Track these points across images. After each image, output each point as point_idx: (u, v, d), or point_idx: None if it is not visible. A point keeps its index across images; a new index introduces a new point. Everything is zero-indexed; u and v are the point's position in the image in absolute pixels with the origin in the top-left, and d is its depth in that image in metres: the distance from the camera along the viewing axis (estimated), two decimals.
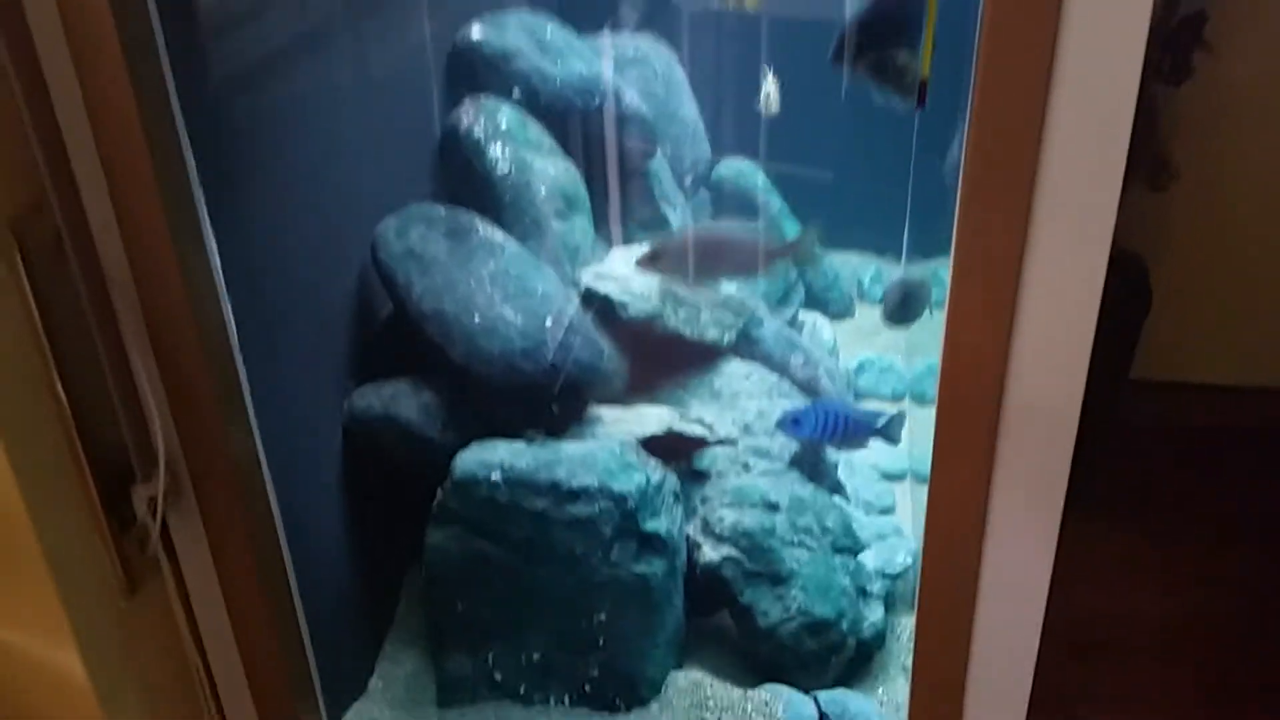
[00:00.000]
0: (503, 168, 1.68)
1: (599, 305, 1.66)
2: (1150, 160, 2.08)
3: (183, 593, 1.21)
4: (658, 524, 1.40)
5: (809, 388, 1.81)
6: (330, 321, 1.47)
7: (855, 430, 1.60)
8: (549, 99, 1.81)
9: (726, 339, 1.77)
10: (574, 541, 1.37)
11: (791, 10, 2.10)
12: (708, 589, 1.48)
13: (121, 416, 1.07)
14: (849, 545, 1.52)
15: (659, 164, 2.02)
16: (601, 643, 1.42)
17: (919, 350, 2.04)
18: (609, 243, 1.91)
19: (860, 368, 2.10)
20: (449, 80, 1.80)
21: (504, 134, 1.71)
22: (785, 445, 1.65)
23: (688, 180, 2.20)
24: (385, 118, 1.61)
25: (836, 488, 1.73)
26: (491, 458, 1.40)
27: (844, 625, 1.45)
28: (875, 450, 1.72)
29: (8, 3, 0.91)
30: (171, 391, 1.09)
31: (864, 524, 1.63)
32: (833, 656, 1.45)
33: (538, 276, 1.54)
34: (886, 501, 1.79)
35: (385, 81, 1.62)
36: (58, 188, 0.98)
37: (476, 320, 1.44)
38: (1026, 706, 1.11)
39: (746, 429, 1.66)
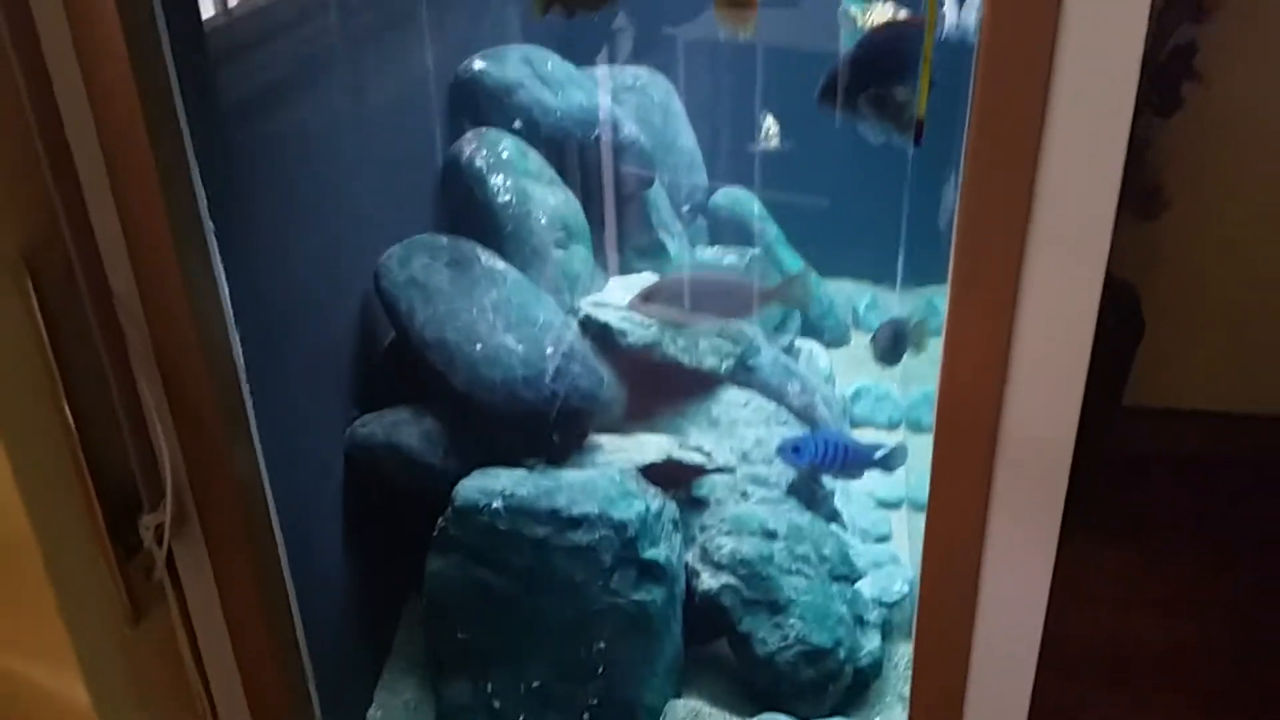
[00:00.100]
0: (504, 197, 1.70)
1: (599, 333, 1.67)
2: (1141, 189, 2.10)
3: (186, 620, 1.22)
4: (657, 552, 1.41)
5: (806, 415, 1.83)
6: (333, 349, 1.48)
7: (854, 460, 1.62)
8: (549, 130, 1.84)
9: (724, 367, 1.79)
10: (574, 569, 1.38)
11: (786, 40, 2.12)
12: (706, 617, 1.49)
13: (129, 444, 1.08)
14: (846, 573, 1.53)
15: (657, 193, 2.05)
16: (601, 671, 1.43)
17: (914, 378, 2.06)
18: (608, 271, 1.93)
19: (856, 395, 2.11)
20: (451, 111, 1.83)
21: (505, 164, 1.73)
22: (783, 473, 1.66)
23: (685, 208, 2.22)
24: (388, 148, 1.63)
25: (833, 516, 1.74)
26: (493, 485, 1.41)
27: (841, 653, 1.46)
28: (871, 478, 1.74)
29: (26, 41, 0.92)
30: (179, 420, 1.10)
31: (860, 552, 1.65)
32: (830, 685, 1.46)
33: (539, 305, 1.56)
34: (883, 530, 1.80)
35: (389, 112, 1.64)
36: (70, 218, 0.99)
37: (478, 349, 1.46)
38: None
39: (744, 457, 1.67)
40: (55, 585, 1.03)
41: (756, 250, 2.19)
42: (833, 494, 1.76)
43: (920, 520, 1.49)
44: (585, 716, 1.45)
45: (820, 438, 1.62)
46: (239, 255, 1.14)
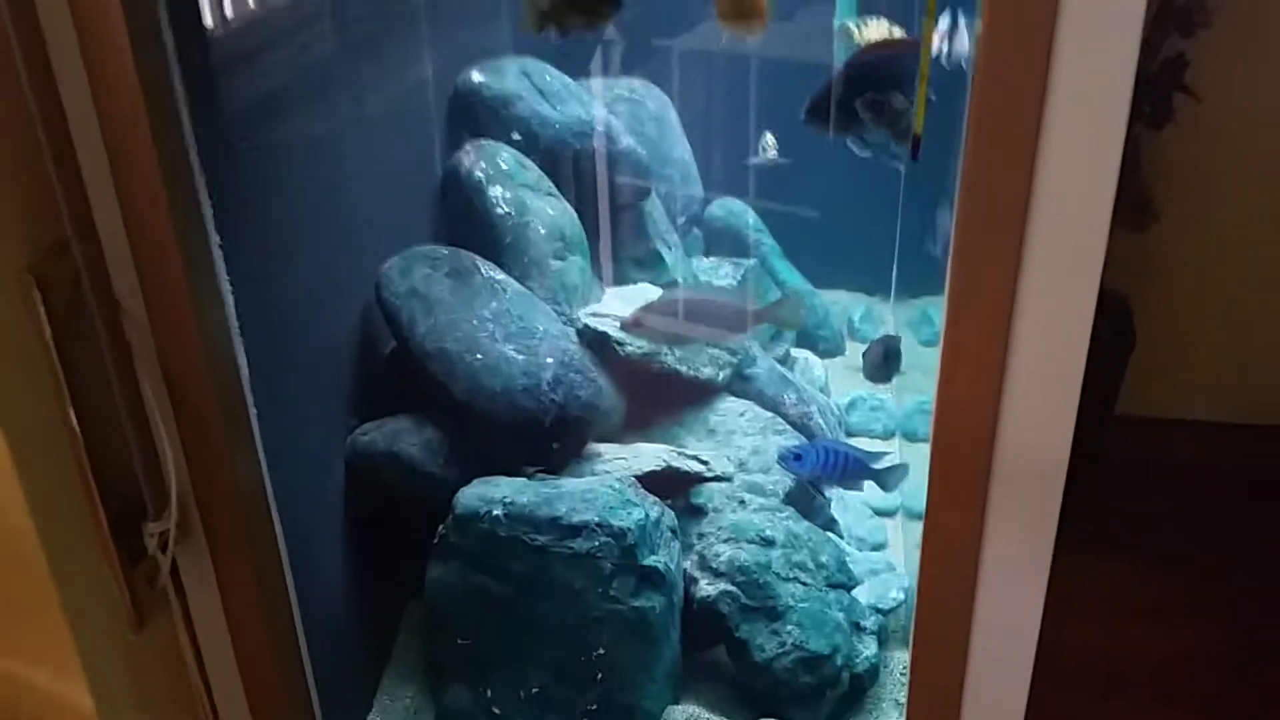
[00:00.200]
0: (502, 208, 1.72)
1: (597, 343, 1.68)
2: (1132, 201, 2.13)
3: (189, 625, 1.22)
4: (656, 559, 1.42)
5: (802, 425, 1.84)
6: (334, 358, 1.50)
7: (855, 470, 1.63)
8: (547, 141, 1.85)
9: (721, 377, 1.80)
10: (574, 576, 1.40)
11: (781, 53, 2.14)
12: (704, 623, 1.50)
13: (134, 451, 1.09)
14: (843, 581, 1.54)
15: (653, 204, 2.06)
16: (600, 677, 1.44)
17: (909, 388, 2.07)
18: (605, 282, 1.94)
19: (851, 405, 2.13)
20: (450, 123, 1.84)
21: (504, 175, 1.75)
22: (780, 481, 1.68)
23: (681, 220, 2.24)
24: (388, 158, 1.65)
25: (829, 524, 1.75)
26: (493, 493, 1.42)
27: (838, 660, 1.47)
28: (867, 487, 1.75)
29: (33, 50, 0.94)
30: (183, 428, 1.11)
31: (857, 560, 1.66)
32: (827, 691, 1.47)
33: (538, 315, 1.57)
34: (878, 538, 1.81)
35: (388, 123, 1.66)
36: (76, 227, 1.00)
37: (479, 358, 1.47)
38: None
39: (742, 465, 1.69)
40: (60, 591, 1.04)
41: (752, 261, 2.21)
42: (829, 502, 1.77)
43: (915, 528, 1.51)
44: None
45: (821, 446, 1.63)
46: (243, 265, 1.15)
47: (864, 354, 2.20)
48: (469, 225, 1.73)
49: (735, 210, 2.32)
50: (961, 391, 1.00)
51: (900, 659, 1.56)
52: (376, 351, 1.60)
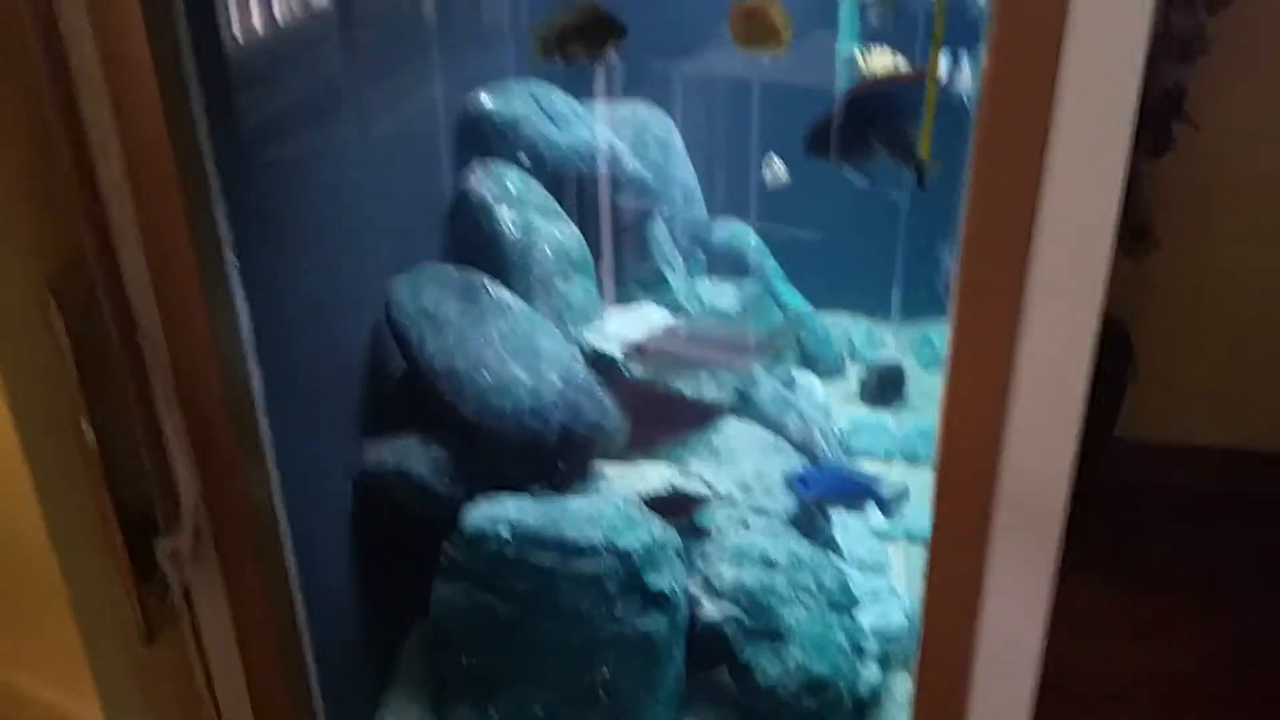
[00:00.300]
0: (510, 230, 1.74)
1: (602, 364, 1.70)
2: (1132, 228, 2.15)
3: (198, 641, 1.23)
4: (661, 580, 1.43)
5: (804, 446, 1.85)
6: (344, 377, 1.51)
7: (861, 495, 1.64)
8: (554, 164, 1.87)
9: (725, 398, 1.82)
10: (579, 597, 1.40)
11: (784, 78, 2.17)
12: (708, 645, 1.50)
13: (148, 468, 1.10)
14: (845, 604, 1.55)
15: (658, 226, 2.08)
16: (604, 698, 1.44)
17: (910, 410, 2.09)
18: (611, 303, 1.96)
19: (853, 427, 2.14)
20: (459, 145, 1.86)
21: (511, 197, 1.76)
22: (783, 503, 1.69)
23: (685, 242, 2.25)
24: (398, 181, 1.66)
25: (831, 546, 1.76)
26: (500, 513, 1.43)
27: (841, 683, 1.48)
28: (869, 509, 1.76)
29: (58, 72, 0.95)
30: (197, 445, 1.12)
31: (859, 582, 1.67)
32: (830, 714, 1.47)
33: (545, 336, 1.59)
34: (880, 560, 1.82)
35: (398, 146, 1.68)
36: (96, 247, 1.02)
37: (487, 378, 1.48)
38: None
39: (745, 487, 1.70)
40: (73, 605, 1.05)
41: (755, 283, 2.23)
42: (831, 525, 1.78)
43: (917, 551, 1.52)
44: None
45: (826, 470, 1.64)
46: (257, 285, 1.16)
47: (863, 378, 2.22)
48: (477, 246, 1.74)
49: (738, 232, 2.34)
50: (965, 416, 1.01)
51: (903, 682, 1.57)
52: (385, 370, 1.61)
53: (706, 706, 1.54)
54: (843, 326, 2.43)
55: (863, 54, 1.51)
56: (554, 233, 1.79)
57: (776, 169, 1.84)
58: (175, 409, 1.10)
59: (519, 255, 1.73)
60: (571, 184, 1.93)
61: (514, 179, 1.80)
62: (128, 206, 1.02)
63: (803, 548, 1.58)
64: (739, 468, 1.73)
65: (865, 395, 2.19)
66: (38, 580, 1.03)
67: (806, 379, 2.21)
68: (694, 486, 1.63)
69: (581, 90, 2.05)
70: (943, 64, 1.19)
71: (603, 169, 1.95)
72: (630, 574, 1.40)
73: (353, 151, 1.52)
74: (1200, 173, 2.17)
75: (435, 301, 1.53)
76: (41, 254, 0.98)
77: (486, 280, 1.62)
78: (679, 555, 1.51)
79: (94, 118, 0.98)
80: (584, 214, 1.94)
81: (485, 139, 1.86)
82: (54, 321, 0.99)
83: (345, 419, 1.50)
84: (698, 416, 1.79)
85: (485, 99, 1.88)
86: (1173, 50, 2.02)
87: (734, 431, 1.80)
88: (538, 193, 1.83)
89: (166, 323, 1.06)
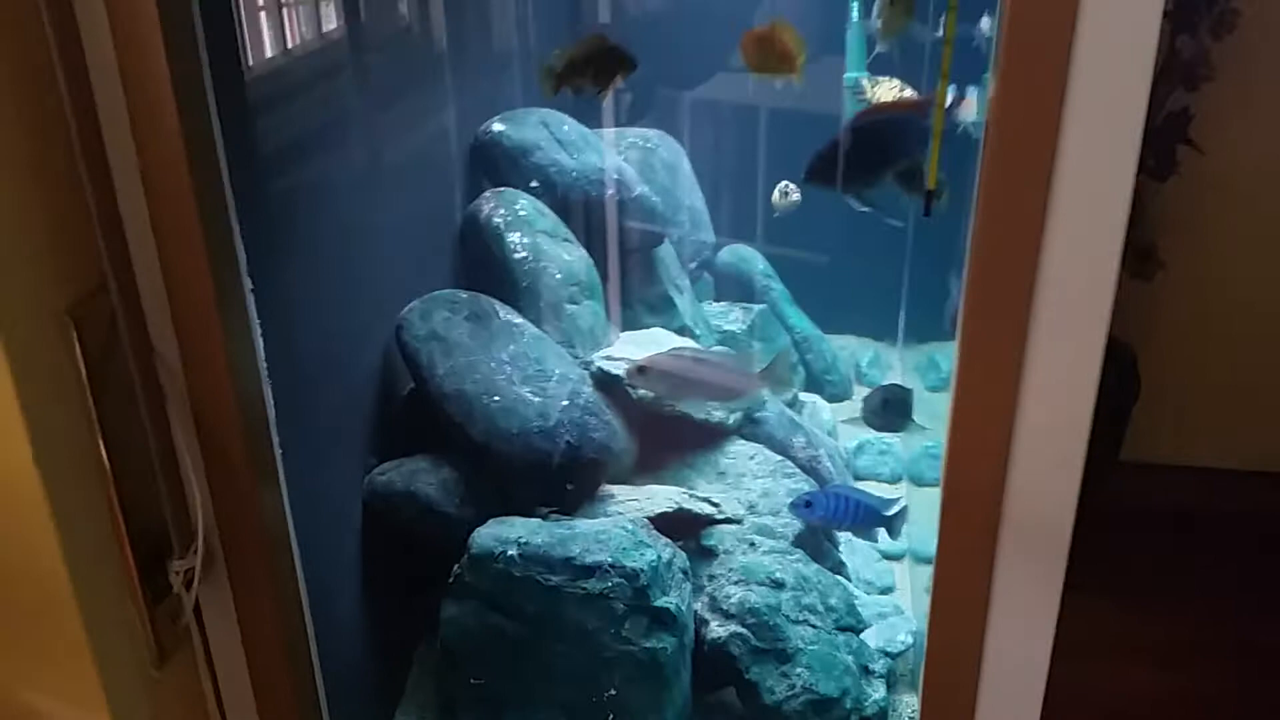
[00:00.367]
0: (520, 254, 1.76)
1: (610, 386, 1.71)
2: (1137, 251, 2.16)
3: (209, 663, 1.24)
4: (668, 600, 1.44)
5: (811, 468, 1.86)
6: (354, 400, 1.53)
7: (866, 517, 1.64)
8: (565, 189, 1.90)
9: (732, 420, 1.83)
10: (587, 617, 1.41)
11: (791, 104, 2.19)
12: (714, 665, 1.51)
13: (163, 491, 1.12)
14: (852, 624, 1.56)
15: (665, 250, 2.10)
16: (611, 717, 1.45)
17: (916, 432, 2.10)
18: (619, 326, 1.98)
19: (859, 449, 2.15)
20: (471, 171, 1.89)
21: (522, 222, 1.79)
22: (789, 524, 1.70)
23: (692, 265, 2.27)
24: (411, 206, 1.69)
25: (837, 567, 1.77)
26: (508, 534, 1.45)
27: (847, 703, 1.48)
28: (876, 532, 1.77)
29: (82, 103, 0.97)
30: (211, 468, 1.13)
31: (865, 603, 1.67)
32: None
33: (553, 359, 1.61)
34: (886, 581, 1.83)
35: (411, 172, 1.70)
36: (116, 275, 1.04)
37: (496, 400, 1.50)
38: None
39: (752, 508, 1.71)
40: (87, 627, 1.06)
41: (762, 306, 2.24)
42: (838, 546, 1.79)
43: (923, 572, 1.52)
44: None
45: (832, 493, 1.65)
46: (270, 309, 1.18)
47: (865, 399, 2.22)
48: (488, 270, 1.76)
49: (745, 256, 2.36)
50: (972, 439, 1.02)
51: (909, 702, 1.57)
52: (396, 393, 1.63)
53: None
54: (849, 350, 2.45)
55: (870, 85, 1.52)
56: (563, 257, 1.82)
57: (791, 196, 1.85)
58: (191, 434, 1.12)
59: (529, 279, 1.75)
60: (581, 208, 1.95)
61: (525, 204, 1.82)
62: (147, 236, 1.03)
63: (809, 568, 1.59)
64: (746, 489, 1.74)
65: (867, 417, 2.20)
66: (53, 603, 1.04)
67: (813, 401, 2.23)
68: (701, 507, 1.64)
69: (592, 117, 2.08)
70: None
71: (612, 194, 1.97)
72: (637, 594, 1.41)
73: (366, 177, 1.54)
74: (1205, 196, 2.18)
75: (445, 324, 1.55)
76: (62, 282, 1.00)
77: (496, 304, 1.64)
78: (686, 575, 1.52)
79: (116, 149, 1.00)
80: (593, 238, 1.96)
81: (497, 165, 1.89)
82: (74, 348, 1.01)
83: (356, 441, 1.52)
84: (704, 438, 1.80)
85: (497, 126, 1.90)
86: (1178, 75, 2.04)
87: (741, 453, 1.81)
88: (548, 217, 1.86)
89: (184, 349, 1.08)
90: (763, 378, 1.70)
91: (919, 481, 2.00)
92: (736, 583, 1.54)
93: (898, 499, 1.72)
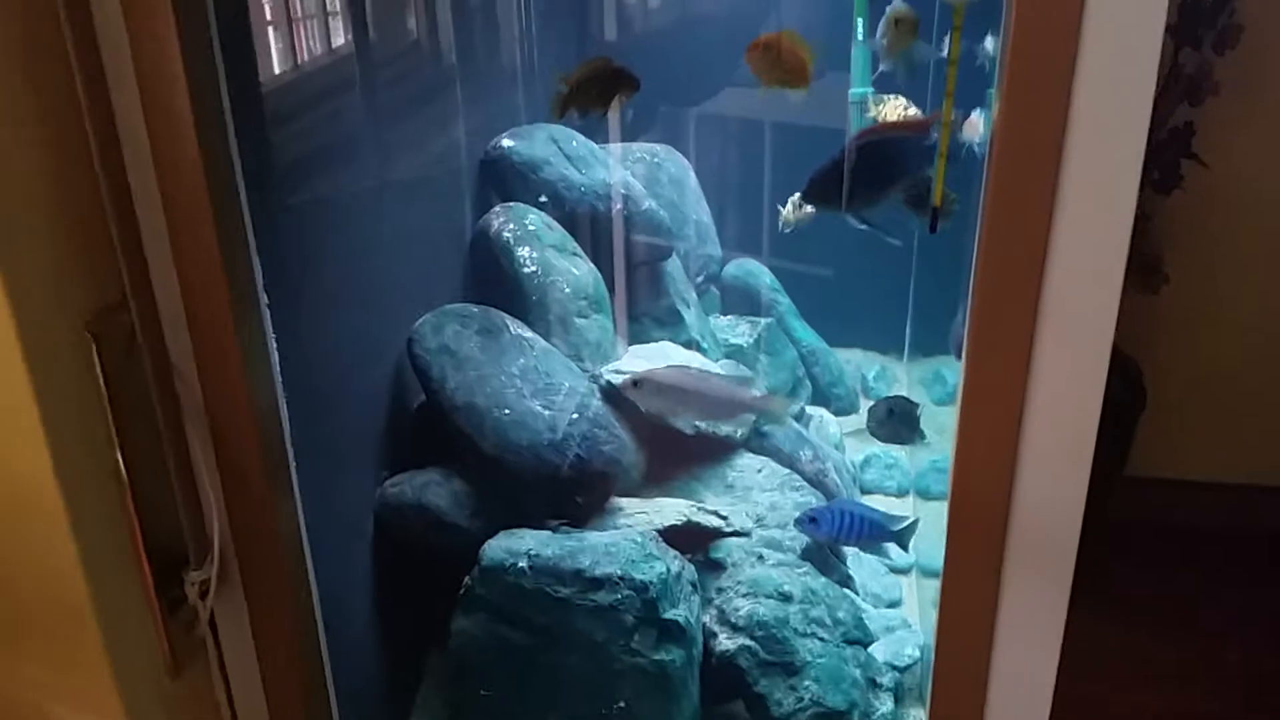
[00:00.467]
0: (529, 268, 1.77)
1: (619, 399, 1.72)
2: (1142, 264, 2.17)
3: (223, 673, 1.26)
4: (677, 613, 1.45)
5: (818, 482, 1.87)
6: (366, 413, 1.54)
7: (871, 532, 1.65)
8: (573, 204, 1.92)
9: (740, 434, 1.84)
10: (596, 629, 1.42)
11: (797, 118, 2.21)
12: (723, 677, 1.52)
13: (179, 503, 1.14)
14: (860, 637, 1.57)
15: (673, 264, 2.12)
16: None
17: (922, 446, 2.11)
18: (627, 339, 1.99)
19: (865, 462, 2.16)
20: (480, 186, 1.91)
21: (531, 237, 1.80)
22: (797, 537, 1.71)
23: (699, 279, 2.29)
24: (422, 221, 1.71)
25: (845, 580, 1.78)
26: (519, 546, 1.46)
27: (855, 716, 1.49)
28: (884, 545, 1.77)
29: (105, 129, 0.99)
30: (227, 481, 1.15)
31: (872, 616, 1.68)
32: None
33: (563, 372, 1.62)
34: (894, 595, 1.83)
35: (422, 188, 1.72)
36: (135, 291, 1.05)
37: (506, 413, 1.52)
38: None
39: (760, 521, 1.72)
40: (105, 636, 1.07)
41: (769, 320, 2.26)
42: (846, 559, 1.80)
43: (930, 585, 1.53)
44: None
45: (837, 508, 1.66)
46: (285, 322, 1.20)
47: (870, 409, 2.23)
48: (497, 284, 1.78)
49: (752, 270, 2.37)
50: (978, 454, 1.03)
51: (916, 716, 1.58)
52: (407, 406, 1.65)
53: None
54: (855, 363, 2.46)
55: (877, 104, 1.54)
56: (572, 271, 1.83)
57: (805, 208, 1.86)
58: (208, 447, 1.13)
59: (538, 293, 1.77)
60: (589, 223, 1.97)
61: (534, 219, 1.84)
62: (166, 253, 1.05)
63: (817, 581, 1.60)
64: (754, 502, 1.76)
65: (873, 428, 2.20)
66: (71, 613, 1.06)
67: (820, 415, 2.24)
68: (709, 520, 1.65)
69: (599, 132, 2.10)
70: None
71: (620, 209, 1.99)
72: (646, 606, 1.42)
73: (379, 193, 1.56)
74: (1210, 209, 2.19)
75: (456, 338, 1.57)
76: (83, 298, 1.02)
77: (507, 318, 1.65)
78: (694, 588, 1.53)
79: (136, 169, 1.02)
80: (601, 252, 1.98)
81: (507, 180, 1.91)
82: (93, 362, 1.03)
83: (367, 453, 1.53)
84: (712, 451, 1.81)
85: (507, 142, 1.92)
86: (1182, 90, 2.05)
87: (748, 466, 1.82)
88: (557, 232, 1.87)
89: (201, 364, 1.09)
90: (757, 403, 1.72)
91: (926, 495, 2.01)
92: (745, 595, 1.55)
93: (906, 515, 1.72)
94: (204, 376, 1.10)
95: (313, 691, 1.30)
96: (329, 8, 1.48)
